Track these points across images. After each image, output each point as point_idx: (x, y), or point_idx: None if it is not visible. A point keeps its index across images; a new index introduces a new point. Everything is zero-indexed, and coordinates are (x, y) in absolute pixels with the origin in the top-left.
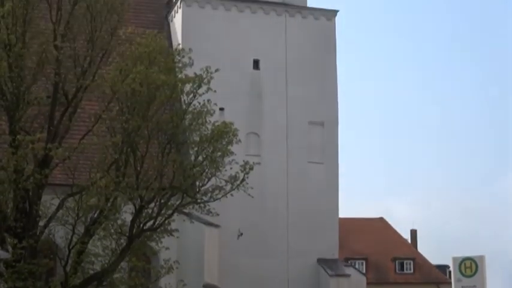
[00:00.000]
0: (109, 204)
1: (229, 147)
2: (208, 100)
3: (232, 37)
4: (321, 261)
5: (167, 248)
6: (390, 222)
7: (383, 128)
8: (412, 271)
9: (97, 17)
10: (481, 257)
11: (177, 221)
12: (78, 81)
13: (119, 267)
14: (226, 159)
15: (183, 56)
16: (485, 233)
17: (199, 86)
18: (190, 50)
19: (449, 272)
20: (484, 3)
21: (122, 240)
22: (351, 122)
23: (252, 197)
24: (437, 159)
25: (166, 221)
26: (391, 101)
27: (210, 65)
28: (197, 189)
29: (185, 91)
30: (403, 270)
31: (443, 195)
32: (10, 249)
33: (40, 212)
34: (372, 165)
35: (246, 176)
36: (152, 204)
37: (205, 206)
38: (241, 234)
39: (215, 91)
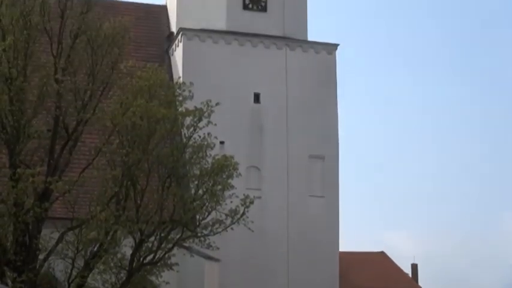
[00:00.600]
0: (109, 238)
1: (230, 181)
2: (208, 133)
3: (232, 71)
4: None
5: (167, 283)
6: (391, 256)
7: (384, 161)
8: None
9: (98, 51)
10: None
11: (177, 255)
12: (79, 114)
13: None
14: (227, 193)
15: (184, 90)
16: (488, 269)
17: (200, 120)
18: (191, 83)
19: None
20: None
21: (122, 274)
22: (351, 156)
23: (252, 231)
24: (439, 194)
25: (167, 255)
26: (391, 134)
27: (210, 98)
28: (197, 223)
29: (185, 124)
30: None
31: (444, 230)
32: (10, 283)
33: (40, 246)
34: (372, 199)
35: (246, 209)
36: (152, 238)
37: (205, 240)
38: None
39: (215, 124)
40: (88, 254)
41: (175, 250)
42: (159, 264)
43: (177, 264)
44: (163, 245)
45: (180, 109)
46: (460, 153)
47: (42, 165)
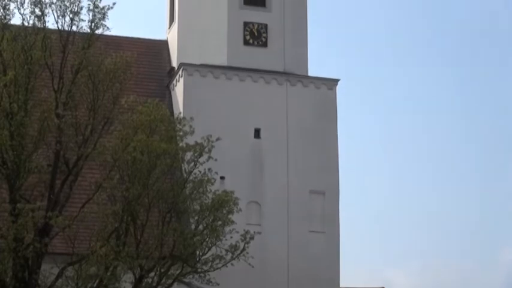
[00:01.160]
0: (109, 273)
1: (230, 216)
2: (209, 169)
3: (233, 106)
4: None
5: None
6: None
7: (385, 197)
8: None
9: (99, 86)
10: None
11: None
12: (80, 149)
13: None
14: (227, 228)
15: (184, 125)
16: None
17: (200, 155)
18: (191, 118)
19: None
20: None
21: None
22: (352, 191)
23: (253, 266)
24: (440, 230)
25: None
26: (392, 169)
27: (211, 133)
28: (197, 259)
29: (186, 159)
30: None
31: (444, 266)
32: None
33: (39, 281)
34: (373, 235)
35: (246, 245)
36: (152, 274)
37: (205, 276)
38: None
39: (216, 160)
40: None
41: (175, 286)
42: None
43: None
44: (163, 281)
45: (180, 144)
46: (462, 189)
47: (42, 200)
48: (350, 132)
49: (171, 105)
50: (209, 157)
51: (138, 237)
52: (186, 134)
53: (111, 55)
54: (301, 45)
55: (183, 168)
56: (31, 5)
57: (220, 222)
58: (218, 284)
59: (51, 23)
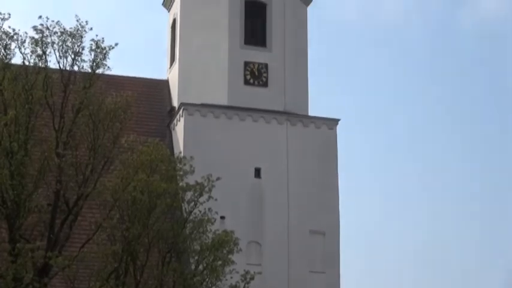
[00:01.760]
0: None
1: (230, 256)
2: (209, 208)
3: (233, 145)
4: None
5: None
6: None
7: (385, 237)
8: None
9: (99, 125)
10: None
11: None
12: (80, 189)
13: None
14: (227, 269)
15: (184, 164)
16: None
17: (201, 195)
18: (191, 157)
19: None
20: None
21: None
22: (352, 230)
23: None
24: (440, 270)
25: None
26: (392, 210)
27: (211, 172)
28: None
29: (186, 199)
30: None
31: None
32: None
33: None
34: (373, 275)
35: (246, 285)
36: None
37: None
38: None
39: (216, 199)
40: None
41: None
42: None
43: None
44: None
45: (180, 184)
46: (461, 228)
47: (42, 240)
48: (350, 172)
49: (172, 144)
50: (209, 197)
51: (138, 278)
52: (186, 173)
53: (112, 94)
54: (302, 85)
55: (183, 207)
56: (32, 44)
57: (220, 262)
58: None
59: (52, 62)
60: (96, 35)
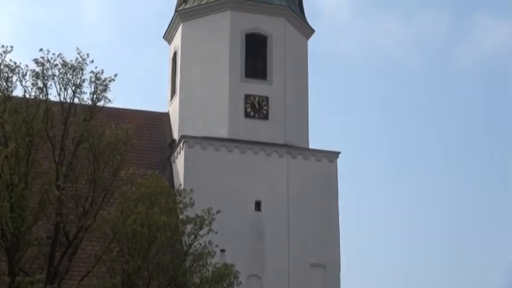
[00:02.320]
0: None
1: None
2: (209, 241)
3: (234, 178)
4: None
5: None
6: None
7: (386, 270)
8: None
9: (100, 158)
10: None
11: None
12: (80, 221)
13: None
14: None
15: (184, 197)
16: None
17: (201, 228)
18: (191, 190)
19: None
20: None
21: None
22: (353, 263)
23: None
24: None
25: None
26: (393, 242)
27: (211, 205)
28: None
29: (186, 232)
30: None
31: None
32: None
33: None
34: None
35: None
36: None
37: None
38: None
39: (216, 232)
40: None
41: None
42: None
43: None
44: None
45: (180, 216)
46: (462, 263)
47: (41, 273)
48: (351, 205)
49: (172, 177)
50: (210, 230)
51: None
52: (186, 206)
53: (112, 127)
54: (302, 118)
55: (183, 240)
56: (33, 77)
57: None
58: None
59: (53, 95)
60: (96, 67)
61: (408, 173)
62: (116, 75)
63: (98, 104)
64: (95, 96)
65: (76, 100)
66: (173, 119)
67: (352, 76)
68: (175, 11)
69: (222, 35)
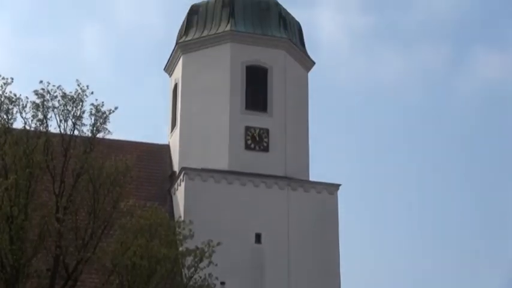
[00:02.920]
0: None
1: None
2: (209, 274)
3: (234, 210)
4: None
5: None
6: None
7: None
8: None
9: (99, 190)
10: None
11: None
12: (79, 253)
13: None
14: None
15: (184, 229)
16: None
17: (201, 260)
18: (190, 222)
19: None
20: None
21: None
22: None
23: None
24: None
25: None
26: (394, 275)
27: (211, 237)
28: None
29: (186, 265)
30: None
31: None
32: None
33: None
34: None
35: None
36: None
37: None
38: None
39: (216, 265)
40: None
41: None
42: None
43: None
44: None
45: (180, 249)
46: (462, 263)
47: None
48: (352, 238)
49: (172, 209)
50: (210, 262)
51: None
52: (186, 238)
53: (112, 159)
54: (303, 150)
55: (183, 273)
56: (33, 109)
57: None
58: None
59: (53, 126)
60: (96, 99)
61: (409, 203)
62: (116, 108)
63: (98, 135)
64: (95, 128)
65: (76, 132)
66: (173, 151)
67: (352, 107)
68: (176, 43)
69: (223, 67)
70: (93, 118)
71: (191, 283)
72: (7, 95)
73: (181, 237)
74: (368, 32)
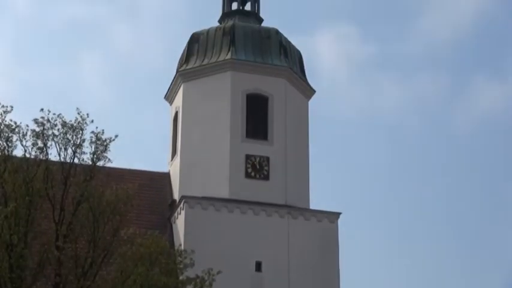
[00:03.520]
0: None
1: None
2: None
3: (234, 239)
4: None
5: None
6: None
7: None
8: None
9: (100, 218)
10: None
11: None
12: (79, 282)
13: None
14: None
15: (185, 257)
16: None
17: None
18: (192, 251)
19: None
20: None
21: None
22: None
23: None
24: None
25: None
26: None
27: (212, 266)
28: None
29: None
30: None
31: None
32: None
33: None
34: None
35: None
36: None
37: None
38: None
39: None
40: None
41: None
42: None
43: None
44: None
45: (181, 277)
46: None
47: None
48: (352, 266)
49: (172, 238)
50: None
51: None
52: (186, 266)
53: (112, 187)
54: (303, 179)
55: None
56: (33, 137)
57: None
58: None
59: (53, 155)
60: (96, 127)
61: (409, 232)
62: (116, 136)
63: (98, 163)
64: (95, 156)
65: (76, 160)
66: (174, 179)
67: (352, 137)
68: (177, 71)
69: (223, 95)
70: (93, 146)
71: None
72: (7, 122)
73: (181, 266)
74: (367, 61)
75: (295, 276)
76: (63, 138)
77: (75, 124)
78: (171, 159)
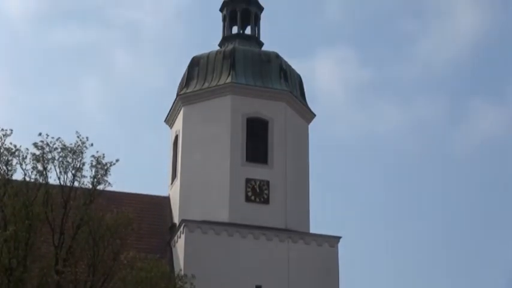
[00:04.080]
0: None
1: None
2: None
3: (234, 262)
4: None
5: None
6: None
7: None
8: None
9: (99, 242)
10: None
11: None
12: None
13: None
14: None
15: (185, 282)
16: None
17: None
18: (193, 276)
19: None
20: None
21: None
22: None
23: None
24: None
25: None
26: None
27: None
28: None
29: None
30: None
31: None
32: None
33: None
34: None
35: None
36: None
37: None
38: None
39: None
40: None
41: None
42: None
43: None
44: None
45: None
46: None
47: None
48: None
49: (172, 261)
50: None
51: None
52: None
53: (112, 211)
54: (303, 203)
55: None
56: (33, 160)
57: None
58: None
59: (53, 178)
60: (97, 151)
61: (410, 256)
62: (117, 160)
63: (98, 187)
64: (95, 179)
65: (76, 183)
66: (174, 203)
67: (351, 160)
68: (177, 95)
69: (223, 119)
70: (93, 170)
71: None
72: (6, 146)
73: None
74: (366, 84)
75: None
76: (63, 161)
77: (74, 148)
78: (171, 183)
